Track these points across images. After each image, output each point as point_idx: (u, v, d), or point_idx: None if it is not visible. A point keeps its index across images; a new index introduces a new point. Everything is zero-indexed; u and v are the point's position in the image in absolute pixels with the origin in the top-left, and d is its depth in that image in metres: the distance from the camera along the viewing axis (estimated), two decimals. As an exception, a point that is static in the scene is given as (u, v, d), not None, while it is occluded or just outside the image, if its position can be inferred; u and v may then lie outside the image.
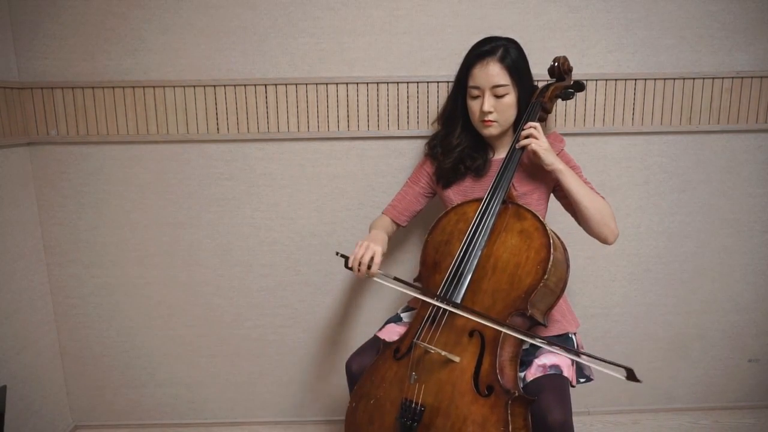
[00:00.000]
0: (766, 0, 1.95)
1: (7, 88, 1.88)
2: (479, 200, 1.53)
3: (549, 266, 1.38)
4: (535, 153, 1.52)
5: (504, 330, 1.36)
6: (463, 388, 1.36)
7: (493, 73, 1.54)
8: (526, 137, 1.53)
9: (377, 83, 1.97)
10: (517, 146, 1.54)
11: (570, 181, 1.51)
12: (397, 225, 1.78)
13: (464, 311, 1.39)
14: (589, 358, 1.29)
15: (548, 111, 1.65)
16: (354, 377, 1.57)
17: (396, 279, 1.46)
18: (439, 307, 1.44)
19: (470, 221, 1.50)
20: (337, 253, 1.52)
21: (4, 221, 1.89)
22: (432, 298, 1.45)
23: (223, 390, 2.26)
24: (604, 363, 1.25)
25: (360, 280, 2.15)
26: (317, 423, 2.29)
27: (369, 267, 1.47)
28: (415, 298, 1.78)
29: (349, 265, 1.49)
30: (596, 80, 1.97)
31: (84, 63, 1.95)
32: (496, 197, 1.50)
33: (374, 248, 1.48)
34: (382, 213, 1.81)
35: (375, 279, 1.50)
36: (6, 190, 1.90)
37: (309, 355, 2.23)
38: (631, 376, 1.20)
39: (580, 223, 1.58)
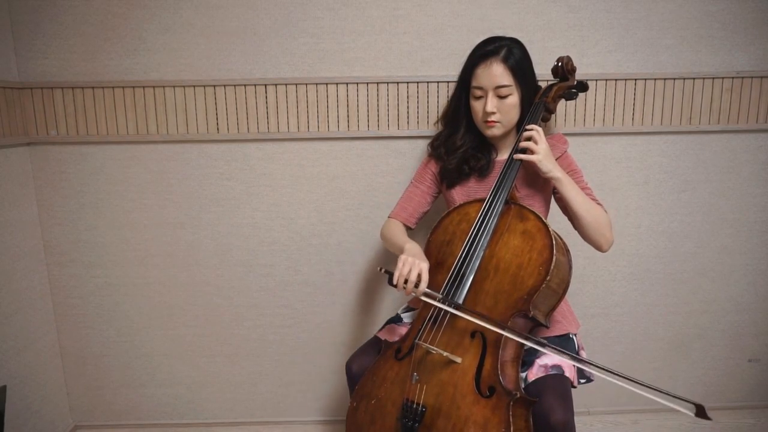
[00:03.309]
0: (766, 0, 1.95)
1: (7, 88, 1.87)
2: (481, 201, 1.52)
3: (551, 267, 1.38)
4: (532, 163, 1.52)
5: (508, 335, 1.36)
6: (464, 389, 1.36)
7: (496, 73, 1.54)
8: (525, 146, 1.52)
9: (377, 83, 1.97)
10: (515, 157, 1.53)
11: (567, 189, 1.51)
12: (407, 228, 1.75)
13: (477, 317, 1.38)
14: (654, 392, 1.25)
15: (551, 111, 1.65)
16: (354, 377, 1.57)
17: (441, 297, 1.42)
18: (441, 308, 1.44)
19: (472, 221, 1.50)
20: (380, 269, 1.46)
21: (4, 221, 1.89)
22: (497, 326, 1.37)
23: (223, 390, 2.25)
24: (670, 397, 1.21)
25: (360, 281, 2.15)
26: (317, 423, 2.29)
27: (416, 285, 1.41)
28: (416, 298, 1.78)
29: (394, 283, 1.41)
30: (596, 80, 1.97)
31: (84, 63, 1.94)
32: (499, 198, 1.49)
33: (421, 265, 1.42)
34: (390, 217, 1.76)
35: (421, 298, 1.43)
36: (6, 190, 1.89)
37: (309, 355, 2.22)
38: (700, 413, 1.17)
39: (575, 228, 1.59)
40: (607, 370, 1.27)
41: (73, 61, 1.94)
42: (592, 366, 1.35)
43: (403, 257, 1.43)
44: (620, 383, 1.26)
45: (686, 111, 2.01)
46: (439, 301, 1.43)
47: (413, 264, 1.41)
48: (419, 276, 1.41)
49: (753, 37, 1.96)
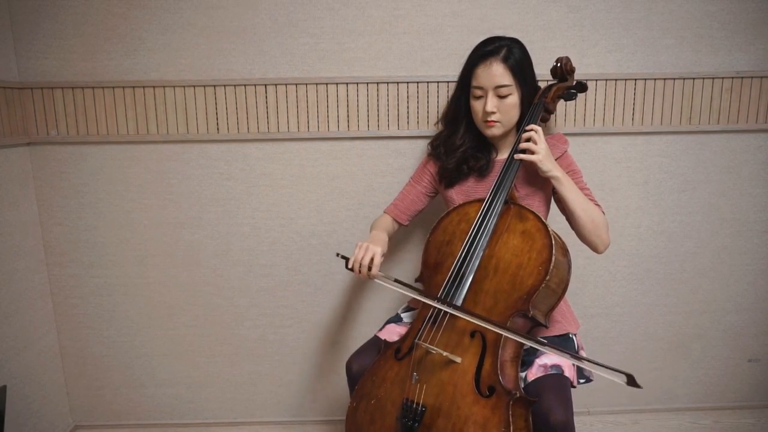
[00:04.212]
0: (766, 0, 1.95)
1: (7, 88, 1.88)
2: (481, 201, 1.53)
3: (551, 267, 1.38)
4: (532, 163, 1.52)
5: (504, 333, 1.35)
6: (464, 388, 1.36)
7: (496, 73, 1.54)
8: (525, 146, 1.52)
9: (377, 83, 1.97)
10: (515, 157, 1.54)
11: (566, 189, 1.51)
12: (399, 224, 1.78)
13: (462, 312, 1.39)
14: (589, 363, 1.28)
15: (551, 111, 1.65)
16: (354, 377, 1.57)
17: (396, 281, 1.45)
18: (437, 306, 1.44)
19: (472, 222, 1.50)
20: (337, 254, 1.52)
21: (4, 221, 1.89)
22: (432, 299, 1.44)
23: (223, 390, 2.26)
24: (603, 368, 1.23)
25: (360, 281, 2.15)
26: (317, 423, 2.29)
27: (370, 269, 1.48)
28: (416, 298, 1.78)
29: (349, 266, 1.49)
30: (596, 80, 1.97)
31: (84, 63, 1.94)
32: (498, 198, 1.50)
33: (374, 249, 1.48)
34: (384, 212, 1.81)
35: (376, 280, 1.50)
36: (6, 190, 1.89)
37: (309, 355, 2.23)
38: (631, 381, 1.19)
39: (572, 228, 1.59)
40: (595, 362, 1.27)
41: (73, 61, 1.94)
42: (585, 362, 1.36)
43: (360, 243, 1.51)
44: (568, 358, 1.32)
45: (686, 111, 2.01)
46: (394, 281, 1.46)
47: (367, 249, 1.48)
48: (372, 260, 1.47)
49: (753, 37, 1.96)
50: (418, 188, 1.77)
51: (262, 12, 1.93)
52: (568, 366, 1.49)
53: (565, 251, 1.47)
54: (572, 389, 1.48)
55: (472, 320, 1.37)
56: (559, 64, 1.68)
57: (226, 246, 2.11)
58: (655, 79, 1.98)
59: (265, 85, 1.97)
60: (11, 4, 1.90)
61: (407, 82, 1.97)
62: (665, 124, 2.01)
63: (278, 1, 1.92)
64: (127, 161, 2.03)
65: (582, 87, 1.72)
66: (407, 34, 1.94)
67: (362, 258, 1.47)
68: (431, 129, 1.98)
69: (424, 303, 1.50)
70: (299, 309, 2.18)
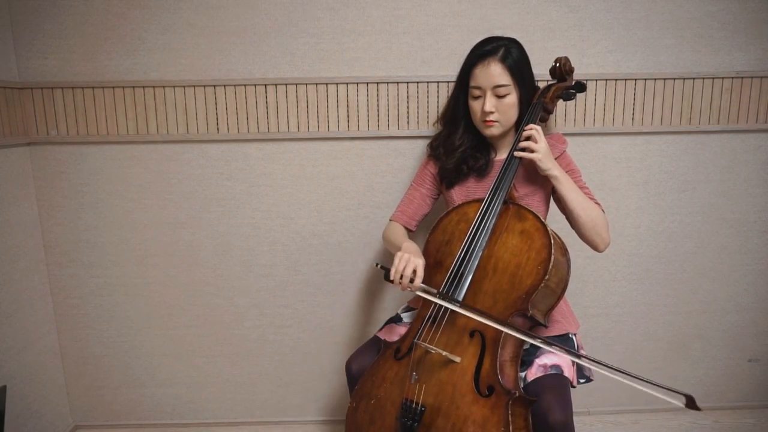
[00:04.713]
0: (766, 0, 1.95)
1: (7, 88, 1.88)
2: (480, 200, 1.53)
3: (550, 267, 1.38)
4: (531, 162, 1.52)
5: (507, 331, 1.35)
6: (463, 388, 1.36)
7: (494, 73, 1.54)
8: (525, 145, 1.52)
9: (377, 83, 1.97)
10: (515, 154, 1.54)
11: (565, 188, 1.52)
12: (408, 231, 1.77)
13: (479, 315, 1.39)
14: (645, 384, 1.23)
15: (550, 111, 1.65)
16: (354, 377, 1.57)
17: (439, 294, 1.44)
18: (440, 308, 1.44)
19: (471, 221, 1.50)
20: (377, 265, 1.48)
21: (4, 221, 1.89)
22: (512, 330, 1.37)
23: (223, 390, 2.26)
24: (661, 389, 1.20)
25: (360, 281, 2.15)
26: (317, 423, 2.29)
27: (411, 281, 1.43)
28: (416, 298, 1.78)
29: (391, 278, 1.44)
30: (596, 80, 1.97)
31: (84, 63, 1.94)
32: (497, 198, 1.50)
33: (416, 261, 1.43)
34: (391, 220, 1.78)
35: (417, 293, 1.45)
36: (6, 190, 1.89)
37: (309, 355, 2.23)
38: (690, 403, 1.16)
39: (572, 227, 1.59)
40: (602, 364, 1.27)
41: (73, 61, 1.94)
42: (588, 361, 1.35)
43: (399, 254, 1.45)
44: (616, 377, 1.26)
45: (686, 111, 2.01)
46: (436, 296, 1.43)
47: (408, 260, 1.43)
48: (414, 272, 1.42)
49: (753, 37, 1.96)
50: (422, 191, 1.77)
51: (262, 12, 1.93)
52: (567, 366, 1.49)
53: (564, 251, 1.47)
54: (572, 389, 1.48)
55: (483, 320, 1.37)
56: (557, 64, 1.68)
57: (226, 246, 2.11)
58: (655, 79, 1.98)
59: (265, 85, 1.97)
60: (11, 4, 1.90)
61: (407, 82, 1.97)
62: (665, 124, 2.01)
63: (278, 1, 1.92)
64: (127, 161, 2.03)
65: (581, 87, 1.72)
66: (407, 34, 1.95)
67: (404, 269, 1.42)
68: (431, 129, 1.98)
69: (423, 303, 1.50)
70: (299, 309, 2.18)
